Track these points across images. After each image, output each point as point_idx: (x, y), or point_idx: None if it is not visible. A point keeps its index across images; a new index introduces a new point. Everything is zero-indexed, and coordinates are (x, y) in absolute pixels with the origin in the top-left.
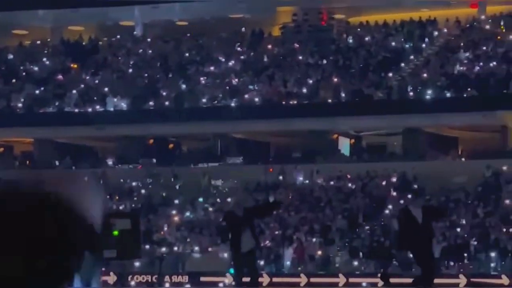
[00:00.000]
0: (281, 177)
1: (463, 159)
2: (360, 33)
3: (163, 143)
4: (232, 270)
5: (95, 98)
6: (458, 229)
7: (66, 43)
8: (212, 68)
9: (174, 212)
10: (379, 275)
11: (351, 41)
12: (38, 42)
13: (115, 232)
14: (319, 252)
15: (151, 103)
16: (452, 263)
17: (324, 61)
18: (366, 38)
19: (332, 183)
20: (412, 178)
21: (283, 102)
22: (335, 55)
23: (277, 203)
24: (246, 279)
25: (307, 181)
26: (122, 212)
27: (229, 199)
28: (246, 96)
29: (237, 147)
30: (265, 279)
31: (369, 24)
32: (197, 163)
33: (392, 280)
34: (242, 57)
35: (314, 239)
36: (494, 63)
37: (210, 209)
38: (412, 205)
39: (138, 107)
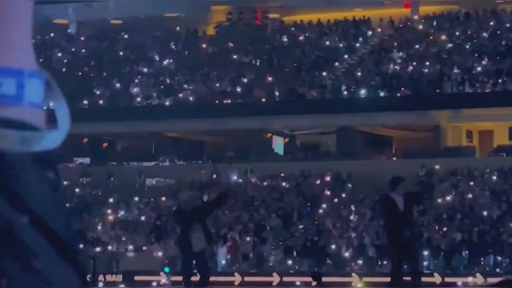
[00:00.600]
0: (214, 176)
1: (394, 158)
2: (294, 32)
3: (97, 142)
4: (167, 269)
5: None
6: None
7: None
8: (146, 67)
9: (108, 211)
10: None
11: (285, 40)
12: None
13: None
14: (253, 251)
15: (85, 101)
16: (385, 262)
17: (259, 60)
18: (300, 37)
19: (266, 182)
20: (346, 177)
21: (217, 101)
22: (269, 54)
23: (224, 194)
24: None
25: (241, 180)
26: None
27: (163, 198)
28: (181, 95)
29: (172, 146)
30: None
31: (303, 24)
32: (132, 162)
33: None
34: (176, 56)
35: (248, 238)
36: (427, 63)
37: (144, 208)
38: (394, 192)
39: (72, 106)
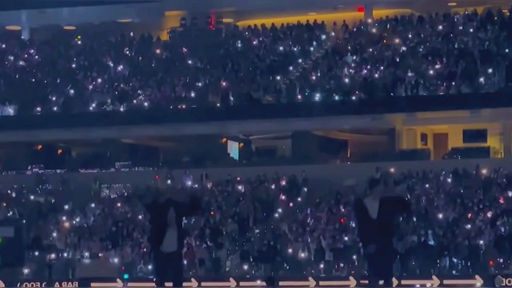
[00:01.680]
0: (169, 182)
1: (349, 162)
2: (248, 36)
3: (51, 149)
4: (126, 276)
5: None
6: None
7: None
8: (100, 73)
9: (64, 218)
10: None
11: (239, 45)
12: None
13: None
14: (210, 256)
15: (39, 108)
16: (342, 265)
17: (213, 65)
18: (255, 42)
19: (221, 187)
20: (301, 181)
21: (172, 107)
22: (223, 59)
23: (196, 198)
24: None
25: (196, 185)
26: (5, 220)
27: (119, 204)
28: (135, 101)
29: (127, 152)
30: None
31: (257, 28)
32: (87, 169)
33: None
34: (130, 61)
35: (204, 244)
36: (381, 66)
37: (100, 214)
38: (370, 196)
39: (25, 113)
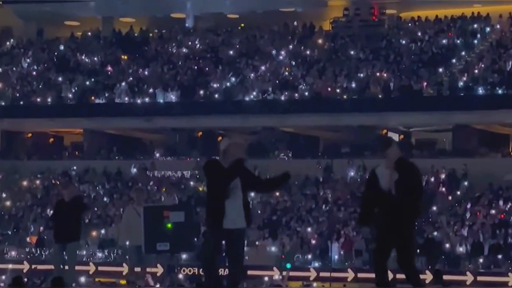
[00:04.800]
0: (328, 172)
1: (511, 157)
2: (411, 28)
3: (211, 136)
4: (289, 265)
5: (144, 89)
6: None
7: (117, 35)
8: (262, 61)
9: None
10: (426, 271)
11: (402, 36)
12: (89, 33)
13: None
14: (366, 247)
15: (200, 95)
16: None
17: (375, 56)
18: (418, 34)
19: None
20: (461, 175)
21: (333, 97)
22: (385, 50)
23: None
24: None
25: (356, 176)
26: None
27: (277, 193)
28: (296, 90)
29: (286, 141)
30: (312, 274)
31: (421, 20)
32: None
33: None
34: (292, 51)
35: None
36: None
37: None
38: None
39: (187, 100)
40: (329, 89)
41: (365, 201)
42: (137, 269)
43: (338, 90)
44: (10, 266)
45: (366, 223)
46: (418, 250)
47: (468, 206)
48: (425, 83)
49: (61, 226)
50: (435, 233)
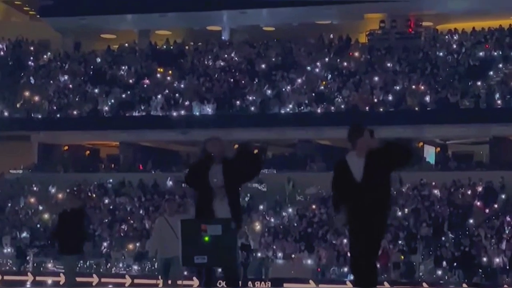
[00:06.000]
0: None
1: None
2: (448, 40)
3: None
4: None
5: (180, 102)
6: None
7: (153, 48)
8: (298, 74)
9: (259, 217)
10: (463, 285)
11: (438, 49)
12: (126, 46)
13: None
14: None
15: (236, 108)
16: None
17: (411, 69)
18: (454, 46)
19: (416, 191)
20: (498, 188)
21: (369, 109)
22: (422, 63)
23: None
24: None
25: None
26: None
27: (313, 206)
28: (332, 102)
29: (322, 153)
30: (348, 287)
31: (458, 32)
32: (281, 169)
33: None
34: (328, 63)
35: (398, 247)
36: None
37: (294, 216)
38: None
39: (223, 112)
40: (366, 101)
41: (337, 192)
42: (176, 281)
43: (374, 103)
44: (49, 280)
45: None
46: (455, 263)
47: (506, 219)
48: (461, 96)
49: (63, 237)
50: (472, 247)
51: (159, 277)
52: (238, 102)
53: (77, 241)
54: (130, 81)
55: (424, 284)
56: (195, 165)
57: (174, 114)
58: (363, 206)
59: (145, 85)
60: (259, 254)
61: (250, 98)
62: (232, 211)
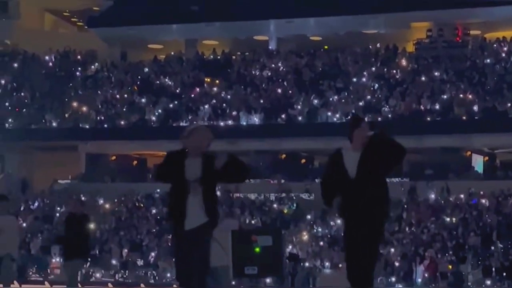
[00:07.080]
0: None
1: None
2: (496, 49)
3: (295, 158)
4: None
5: (227, 112)
6: None
7: (200, 57)
8: (345, 83)
9: (306, 227)
10: None
11: (486, 57)
12: (173, 56)
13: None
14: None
15: (283, 117)
16: None
17: (459, 78)
18: (503, 54)
19: (464, 200)
20: None
21: (416, 118)
22: (469, 71)
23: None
24: None
25: (439, 198)
26: (263, 229)
27: None
28: (380, 112)
29: None
30: None
31: (506, 40)
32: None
33: None
34: (375, 72)
35: (446, 257)
36: None
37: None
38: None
39: (270, 122)
40: (413, 110)
41: (327, 185)
42: None
43: (421, 112)
44: None
45: (332, 204)
46: (504, 273)
47: None
48: (510, 104)
49: (68, 242)
50: None
51: None
52: (285, 111)
53: (81, 246)
54: (177, 91)
55: None
56: (171, 155)
57: (221, 124)
58: (356, 206)
59: (192, 95)
60: (306, 264)
61: (297, 107)
62: (206, 208)
